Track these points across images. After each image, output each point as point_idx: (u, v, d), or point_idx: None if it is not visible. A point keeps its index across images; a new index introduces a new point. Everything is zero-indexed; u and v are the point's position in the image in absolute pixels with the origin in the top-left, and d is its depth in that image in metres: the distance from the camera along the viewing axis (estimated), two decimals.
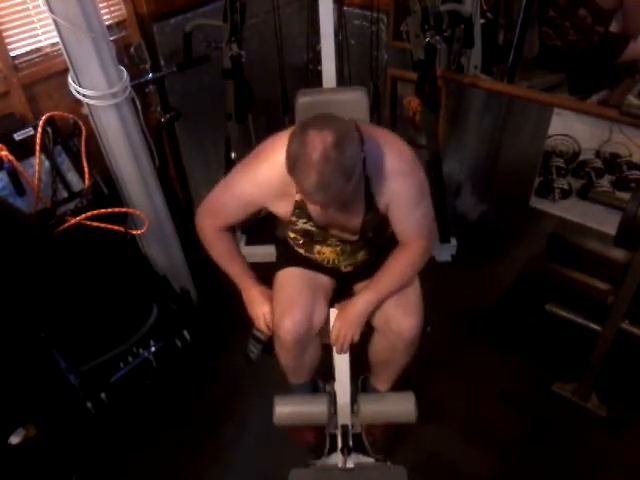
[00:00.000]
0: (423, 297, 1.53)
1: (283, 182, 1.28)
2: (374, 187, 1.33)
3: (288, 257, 1.61)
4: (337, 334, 1.49)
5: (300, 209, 1.38)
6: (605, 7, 2.18)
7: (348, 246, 1.49)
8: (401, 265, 1.46)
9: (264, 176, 1.34)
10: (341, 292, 1.63)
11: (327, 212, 1.31)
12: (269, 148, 1.35)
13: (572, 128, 2.18)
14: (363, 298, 1.46)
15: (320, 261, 1.55)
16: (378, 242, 1.51)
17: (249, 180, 1.37)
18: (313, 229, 1.43)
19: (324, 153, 1.12)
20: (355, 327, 1.47)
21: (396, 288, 1.47)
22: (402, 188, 1.34)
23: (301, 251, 1.57)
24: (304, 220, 1.41)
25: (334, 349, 1.52)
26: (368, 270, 1.53)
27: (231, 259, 1.53)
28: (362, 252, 1.53)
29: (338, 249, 1.50)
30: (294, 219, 1.42)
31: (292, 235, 1.52)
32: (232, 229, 1.53)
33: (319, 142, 1.12)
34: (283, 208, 1.40)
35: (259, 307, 1.54)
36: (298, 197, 1.35)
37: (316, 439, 1.76)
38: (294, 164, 1.16)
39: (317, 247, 1.51)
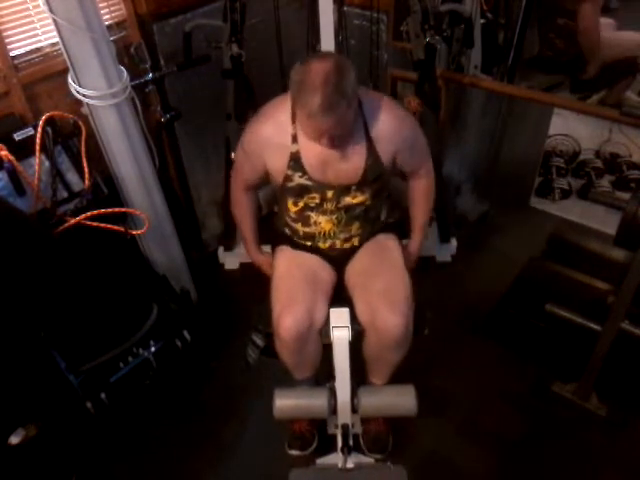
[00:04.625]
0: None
1: (281, 135, 1.45)
2: (374, 132, 1.44)
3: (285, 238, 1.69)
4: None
5: (295, 161, 1.46)
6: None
7: (343, 214, 1.54)
8: (424, 198, 1.68)
9: (265, 131, 1.49)
10: (341, 292, 1.63)
11: (325, 155, 1.42)
12: (270, 107, 1.52)
13: (572, 128, 2.18)
14: (414, 240, 1.73)
15: (317, 234, 1.59)
16: (373, 205, 1.57)
17: (253, 137, 1.52)
18: (309, 183, 1.49)
19: (326, 77, 1.23)
20: (412, 263, 1.73)
21: (428, 217, 1.73)
22: (405, 134, 1.49)
23: (297, 226, 1.61)
24: (299, 174, 1.48)
25: (334, 347, 1.52)
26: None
27: (242, 223, 1.74)
28: (356, 224, 1.58)
29: (334, 217, 1.55)
30: (290, 173, 1.48)
31: (290, 203, 1.56)
32: (254, 190, 1.71)
33: (321, 69, 1.25)
34: (280, 161, 1.48)
35: (260, 262, 1.79)
36: (294, 149, 1.45)
37: (307, 432, 1.77)
38: (299, 90, 1.27)
39: (313, 217, 1.56)
